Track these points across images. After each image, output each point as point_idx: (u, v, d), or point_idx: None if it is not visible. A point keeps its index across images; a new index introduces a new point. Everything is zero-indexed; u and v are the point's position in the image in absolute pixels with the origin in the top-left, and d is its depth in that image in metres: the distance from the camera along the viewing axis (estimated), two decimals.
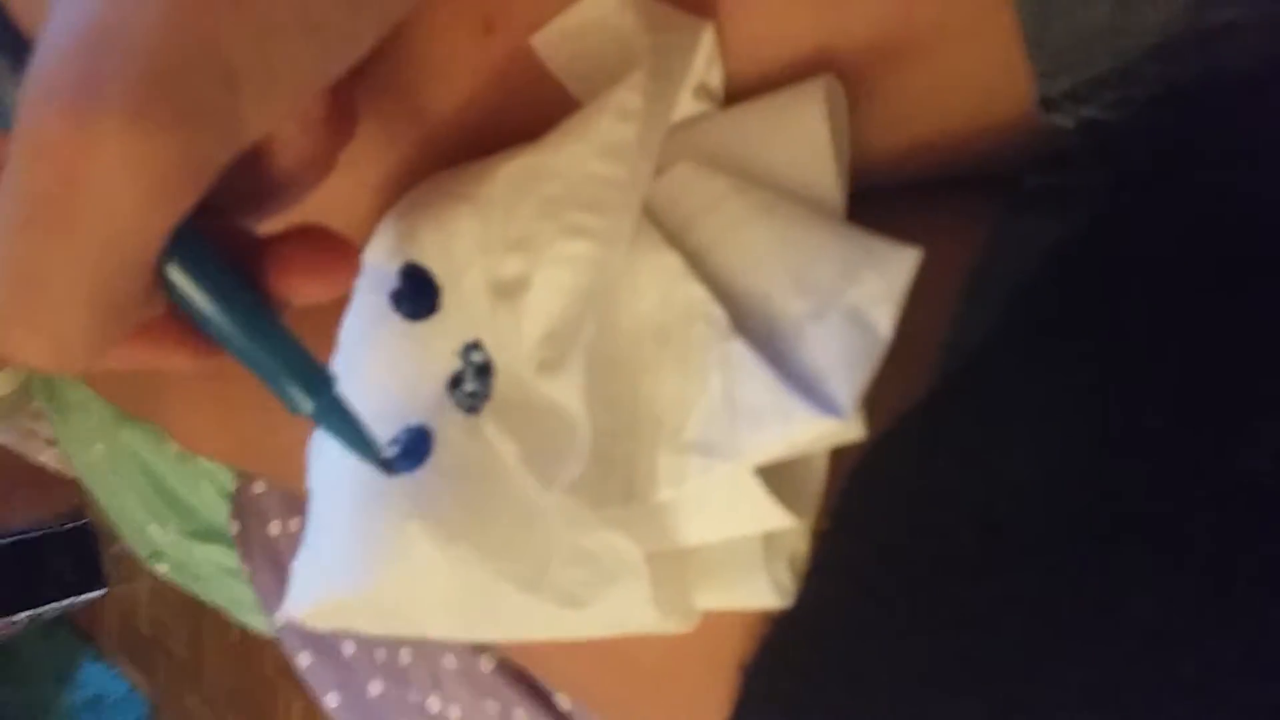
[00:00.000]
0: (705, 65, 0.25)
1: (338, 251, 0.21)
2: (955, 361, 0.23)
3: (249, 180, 0.21)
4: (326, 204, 0.26)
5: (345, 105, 0.22)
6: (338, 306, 0.29)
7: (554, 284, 0.24)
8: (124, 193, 0.15)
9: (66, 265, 0.16)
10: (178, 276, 0.19)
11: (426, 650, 0.49)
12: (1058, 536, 0.21)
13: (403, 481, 0.26)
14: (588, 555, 0.24)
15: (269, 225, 0.22)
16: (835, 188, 0.23)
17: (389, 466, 0.24)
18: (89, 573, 1.63)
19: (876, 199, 0.25)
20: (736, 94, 0.26)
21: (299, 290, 0.21)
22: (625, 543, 0.23)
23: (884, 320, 0.21)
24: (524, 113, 0.27)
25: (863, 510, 0.23)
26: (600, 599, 0.24)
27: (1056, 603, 0.21)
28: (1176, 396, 0.21)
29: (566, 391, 0.23)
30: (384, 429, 0.27)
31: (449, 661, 0.48)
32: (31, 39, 0.17)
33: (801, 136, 0.23)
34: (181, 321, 0.20)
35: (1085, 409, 0.22)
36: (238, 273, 0.20)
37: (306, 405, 0.21)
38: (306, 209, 0.23)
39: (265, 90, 0.17)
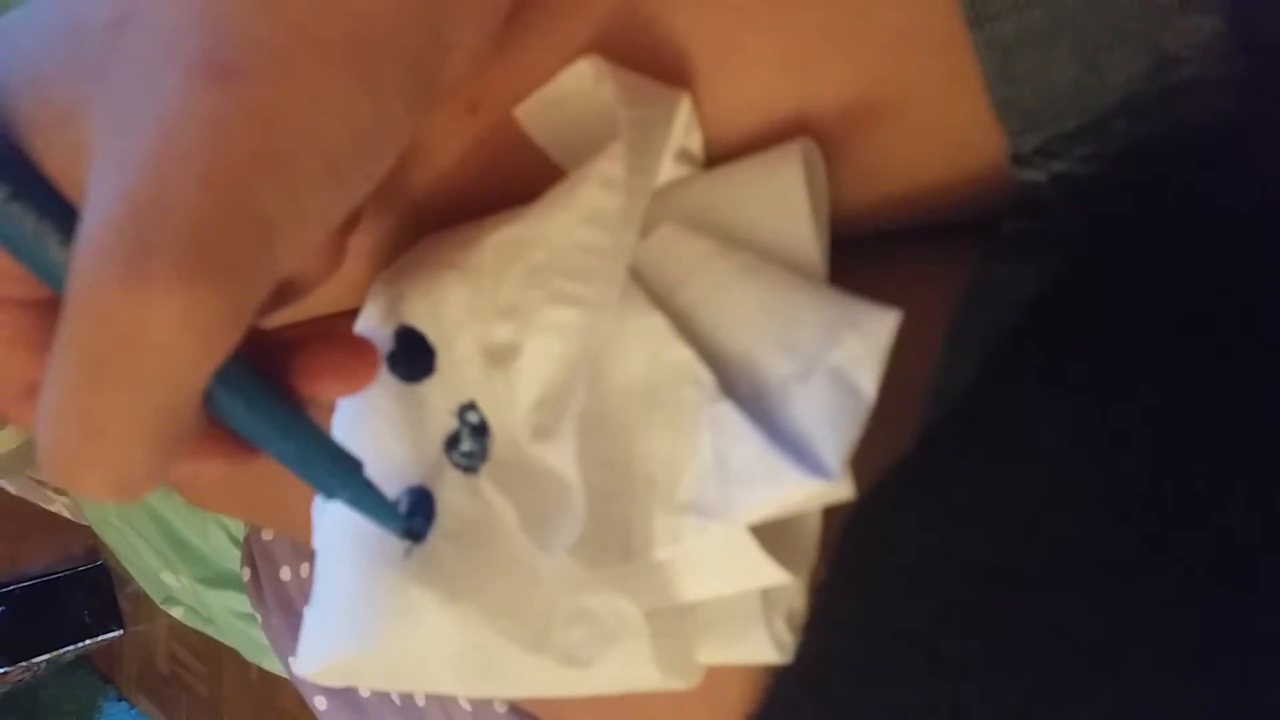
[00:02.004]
0: (684, 133, 0.25)
1: (359, 352, 0.23)
2: (940, 411, 0.24)
3: (273, 291, 0.22)
4: None
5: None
6: None
7: (544, 351, 0.25)
8: (178, 348, 0.17)
9: (127, 413, 0.17)
10: (221, 395, 0.20)
11: (442, 695, 0.49)
12: (1050, 587, 0.21)
13: (405, 542, 0.26)
14: (589, 615, 0.24)
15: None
16: (815, 249, 0.24)
17: (416, 537, 0.26)
18: (107, 614, 1.63)
19: (856, 247, 0.26)
20: (716, 157, 0.26)
21: (324, 392, 0.22)
22: (625, 603, 0.24)
23: (867, 381, 0.21)
24: (508, 181, 0.27)
25: (857, 564, 0.24)
26: (603, 658, 0.24)
27: (1053, 654, 0.21)
28: (1158, 445, 0.21)
29: (561, 457, 0.24)
30: (385, 490, 0.27)
31: (464, 703, 0.49)
32: (75, 206, 0.18)
33: (780, 199, 0.24)
34: (219, 430, 0.21)
35: (1071, 457, 0.22)
36: (270, 379, 0.21)
37: (341, 493, 0.23)
38: None
39: (296, 234, 0.18)
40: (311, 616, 0.28)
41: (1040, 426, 0.23)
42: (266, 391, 0.21)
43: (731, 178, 0.25)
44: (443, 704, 0.49)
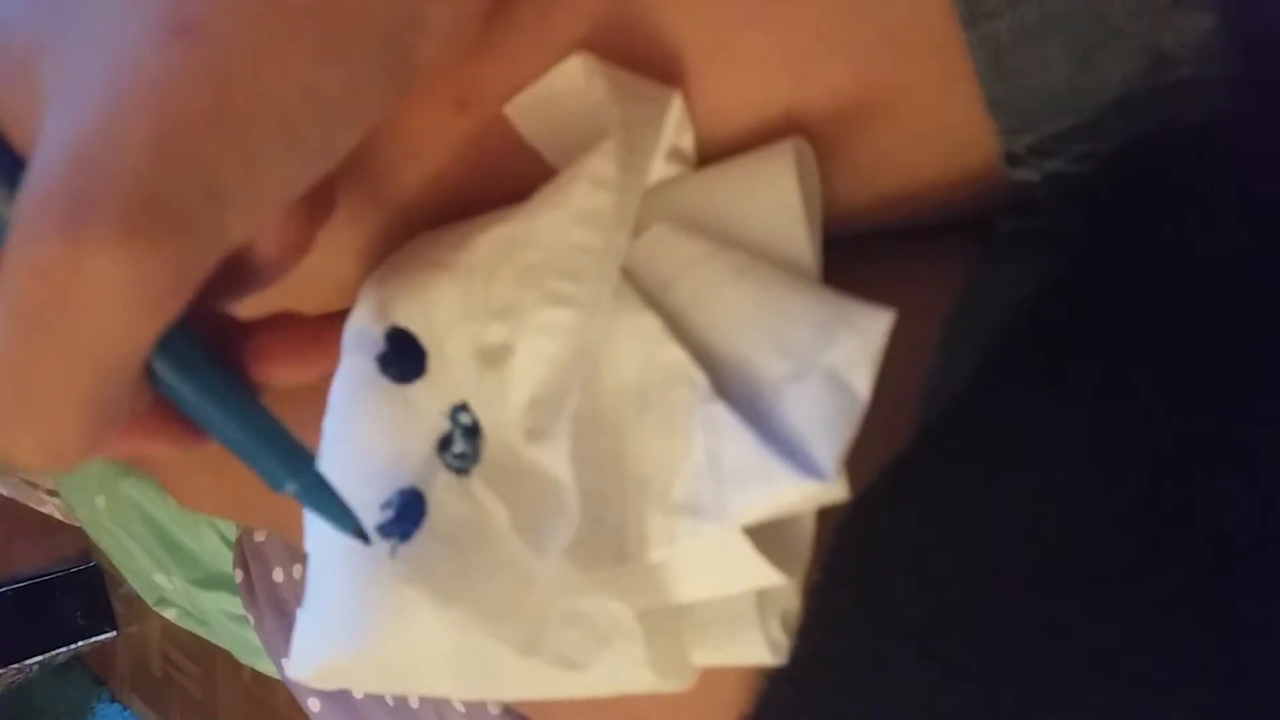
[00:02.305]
0: (676, 131, 0.25)
1: (313, 338, 0.22)
2: (935, 411, 0.23)
3: (228, 269, 0.21)
4: (310, 270, 0.27)
5: (322, 190, 0.23)
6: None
7: (537, 352, 0.24)
8: (115, 307, 0.16)
9: (60, 374, 0.16)
10: (163, 370, 0.19)
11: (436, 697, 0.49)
12: (1046, 589, 0.21)
13: (391, 543, 0.26)
14: (583, 617, 0.24)
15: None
16: (808, 249, 0.23)
17: (367, 539, 0.25)
18: (99, 615, 1.63)
19: (849, 247, 0.26)
20: (708, 155, 0.26)
21: (278, 376, 0.22)
22: (619, 605, 0.24)
23: (861, 382, 0.21)
24: (499, 179, 0.27)
25: (851, 565, 0.24)
26: (597, 661, 0.24)
27: (1049, 655, 0.21)
28: (1156, 446, 0.21)
29: (554, 459, 0.24)
30: (375, 491, 0.27)
31: (458, 705, 0.49)
32: (25, 156, 0.18)
33: (773, 198, 0.24)
34: (166, 409, 0.21)
35: (1068, 457, 0.22)
36: (219, 359, 0.21)
37: (290, 485, 0.22)
38: (292, 274, 0.24)
39: (248, 202, 0.17)
40: (304, 619, 0.28)
41: (1036, 426, 0.23)
42: (214, 370, 0.20)
43: (724, 177, 0.25)
44: (436, 706, 0.49)
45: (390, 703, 0.51)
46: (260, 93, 0.17)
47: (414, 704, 0.50)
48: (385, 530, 0.26)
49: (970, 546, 0.22)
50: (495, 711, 0.47)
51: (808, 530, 0.24)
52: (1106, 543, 0.21)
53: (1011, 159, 0.24)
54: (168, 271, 0.16)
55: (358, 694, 0.53)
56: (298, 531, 0.30)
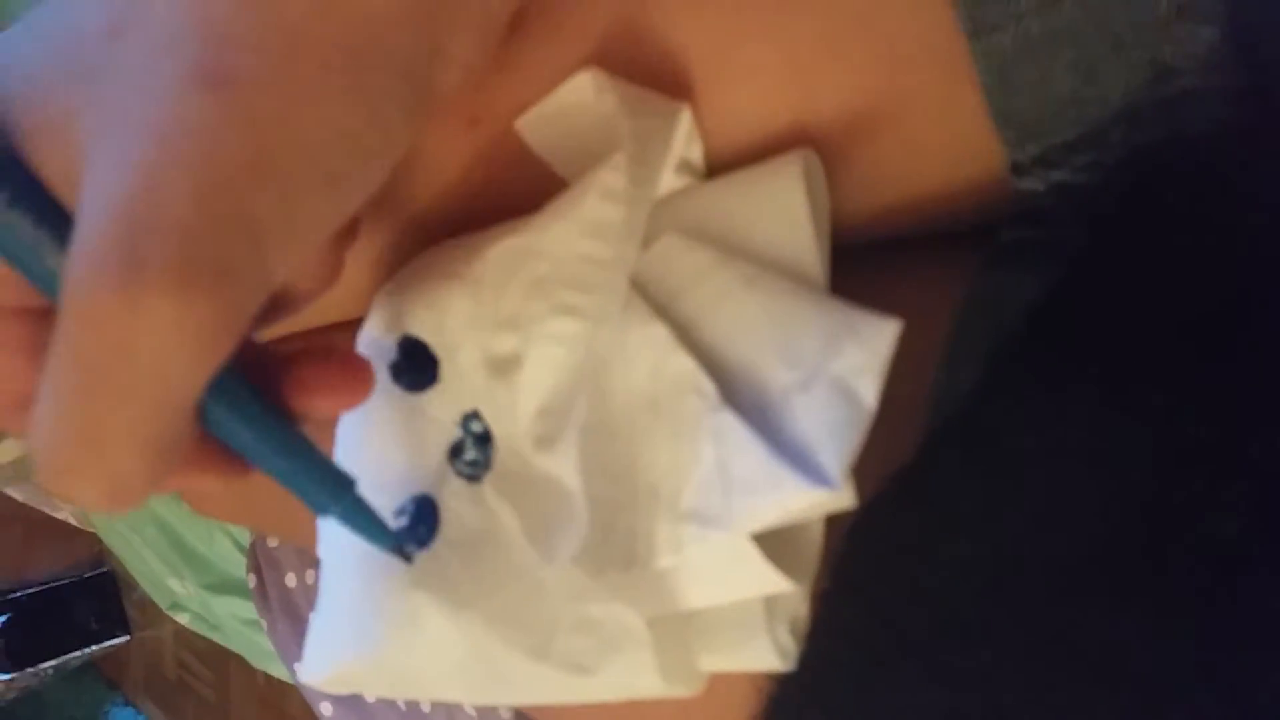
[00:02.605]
0: (684, 143, 0.25)
1: (353, 370, 0.23)
2: (941, 420, 0.24)
3: (268, 302, 0.22)
4: None
5: (350, 219, 0.23)
6: None
7: (546, 362, 0.25)
8: (172, 353, 0.17)
9: (121, 420, 0.17)
10: (214, 408, 0.20)
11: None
12: (1051, 596, 0.21)
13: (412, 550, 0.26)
14: (592, 624, 0.25)
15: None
16: (815, 259, 0.24)
17: (408, 556, 0.26)
18: (113, 619, 1.63)
19: (856, 256, 0.26)
20: (717, 167, 0.26)
21: (317, 408, 0.22)
22: (628, 611, 0.24)
23: (868, 391, 0.21)
24: (510, 192, 0.27)
25: (859, 572, 0.24)
26: (606, 666, 0.24)
27: (1054, 662, 0.21)
28: (1160, 454, 0.21)
29: (563, 468, 0.24)
30: (389, 499, 0.27)
31: (469, 709, 0.49)
32: (68, 210, 0.18)
33: (781, 210, 0.24)
34: (212, 444, 0.21)
35: (1072, 465, 0.22)
36: (263, 394, 0.21)
37: (334, 510, 0.23)
38: None
39: (289, 243, 0.18)
40: (317, 624, 0.28)
41: (1041, 434, 0.23)
42: (260, 406, 0.21)
43: (732, 188, 0.25)
44: (448, 711, 0.49)
45: (402, 707, 0.51)
46: (294, 137, 0.17)
47: (426, 708, 0.50)
48: (400, 537, 0.26)
49: (976, 553, 0.22)
50: (506, 716, 0.47)
51: (816, 537, 0.24)
52: (1111, 550, 0.21)
53: (1017, 169, 0.24)
54: (219, 315, 0.17)
55: (370, 698, 0.53)
56: (310, 537, 0.30)
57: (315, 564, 0.57)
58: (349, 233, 0.24)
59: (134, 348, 0.16)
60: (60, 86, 0.18)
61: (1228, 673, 0.19)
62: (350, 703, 0.54)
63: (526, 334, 0.25)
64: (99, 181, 0.17)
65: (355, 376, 0.23)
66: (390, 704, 0.52)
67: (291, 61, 0.17)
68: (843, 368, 0.21)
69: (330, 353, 0.23)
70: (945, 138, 0.24)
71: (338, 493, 0.23)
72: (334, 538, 0.29)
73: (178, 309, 0.16)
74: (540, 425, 0.25)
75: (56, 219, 0.18)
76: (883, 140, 0.25)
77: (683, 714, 0.27)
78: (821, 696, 0.24)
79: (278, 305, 0.22)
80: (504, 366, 0.26)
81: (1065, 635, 0.21)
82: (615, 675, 0.24)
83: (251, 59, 0.17)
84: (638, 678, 0.24)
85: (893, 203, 0.26)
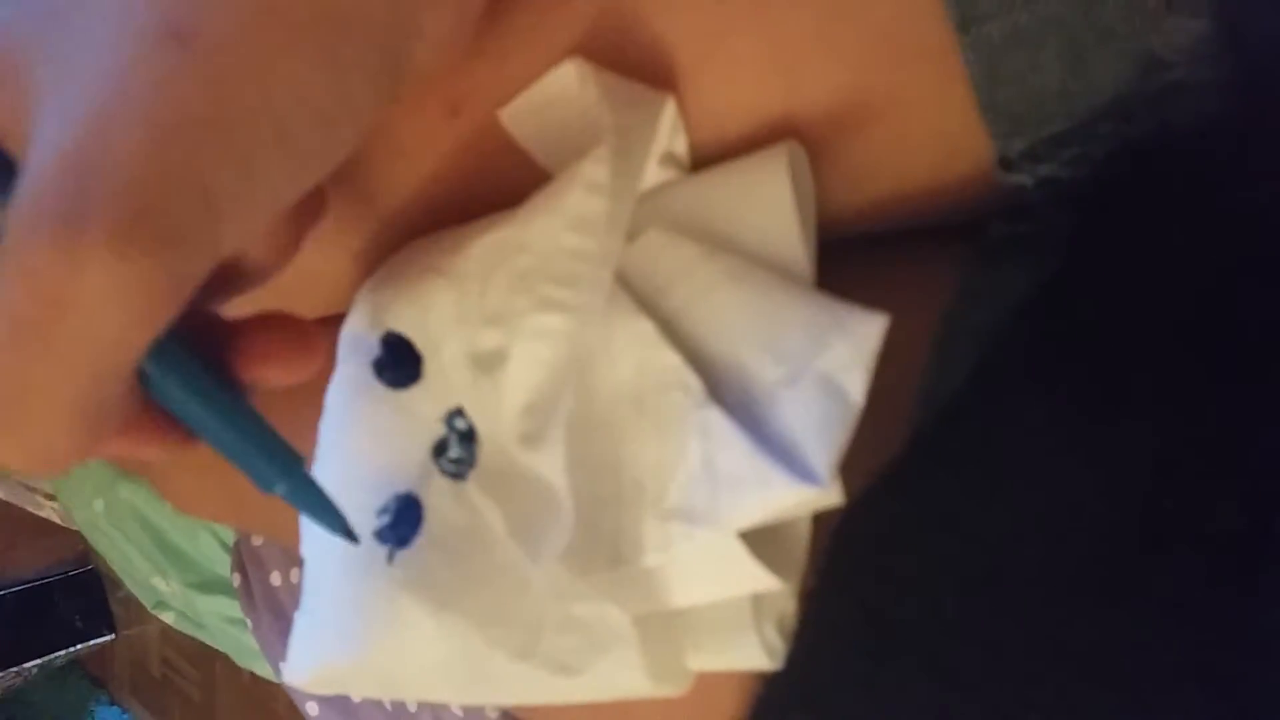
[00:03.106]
0: (669, 135, 0.25)
1: (302, 339, 0.22)
2: (929, 415, 0.23)
3: (217, 271, 0.21)
4: (305, 275, 0.27)
5: (312, 194, 0.23)
6: (320, 378, 0.29)
7: (531, 357, 0.24)
8: (108, 315, 0.16)
9: (53, 380, 0.16)
10: (154, 374, 0.19)
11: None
12: (1042, 594, 0.21)
13: (388, 549, 0.26)
14: (578, 623, 0.24)
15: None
16: (801, 253, 0.23)
17: (355, 539, 0.25)
18: (98, 618, 1.62)
19: (843, 251, 0.26)
20: (702, 160, 0.26)
21: (266, 377, 0.22)
22: (614, 610, 0.24)
23: (855, 387, 0.21)
24: (493, 184, 0.27)
25: (846, 569, 0.24)
26: (592, 666, 0.24)
27: (1046, 661, 0.21)
28: (1154, 450, 0.21)
29: (549, 465, 0.24)
30: (372, 497, 0.27)
31: (456, 709, 0.49)
32: (16, 160, 0.18)
33: (767, 202, 0.24)
34: (156, 412, 0.21)
35: (1064, 461, 0.22)
36: (208, 361, 0.21)
37: (279, 486, 0.22)
38: (288, 277, 0.24)
39: (242, 209, 0.17)
40: (300, 624, 0.28)
41: (1032, 430, 0.23)
42: (204, 373, 0.20)
43: (717, 181, 0.25)
44: (434, 711, 0.49)
45: (388, 707, 0.51)
46: (256, 99, 0.17)
47: (412, 708, 0.50)
48: (382, 536, 0.26)
49: (965, 550, 0.22)
50: (493, 716, 0.47)
51: (803, 535, 0.24)
52: (1104, 548, 0.21)
53: (1005, 163, 0.24)
54: (162, 279, 0.16)
55: (356, 698, 0.53)
56: (294, 536, 0.30)
57: (300, 563, 0.56)
58: (311, 211, 0.23)
59: (69, 305, 0.15)
60: (16, 27, 0.17)
61: (1221, 673, 0.19)
62: (336, 703, 0.53)
63: (511, 329, 0.25)
64: (48, 130, 0.16)
65: (306, 345, 0.22)
66: (376, 704, 0.52)
67: (261, 21, 0.17)
68: (830, 363, 0.21)
69: (280, 320, 0.22)
70: (933, 131, 0.24)
71: (284, 468, 0.22)
72: (317, 536, 0.29)
73: (118, 267, 0.15)
74: (526, 422, 0.25)
75: (4, 169, 0.18)
76: (870, 133, 0.24)
77: (670, 713, 0.27)
78: (809, 695, 0.24)
79: (228, 277, 0.22)
80: (488, 362, 0.26)
81: (1056, 633, 0.21)
82: (602, 674, 0.24)
83: (220, 15, 0.16)
84: (624, 677, 0.24)
85: (880, 196, 0.26)
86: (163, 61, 0.16)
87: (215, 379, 0.21)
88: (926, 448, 0.23)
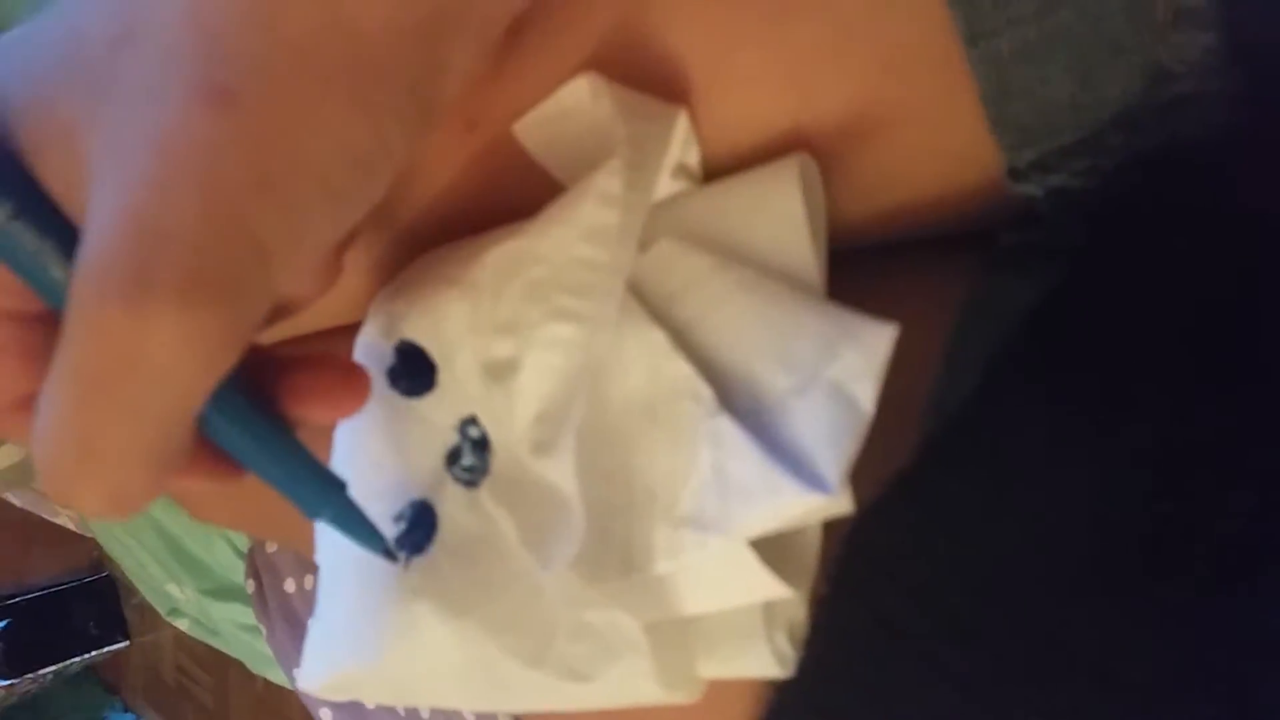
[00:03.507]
0: (681, 148, 0.25)
1: (347, 379, 0.23)
2: (939, 424, 0.24)
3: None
4: None
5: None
6: None
7: (544, 367, 0.25)
8: (178, 366, 0.17)
9: (124, 430, 0.17)
10: (211, 415, 0.20)
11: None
12: (1050, 600, 0.21)
13: (404, 556, 0.26)
14: (590, 630, 0.25)
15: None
16: (812, 263, 0.24)
17: (395, 558, 0.26)
18: (112, 625, 1.63)
19: (854, 261, 0.26)
20: (714, 171, 0.26)
21: (311, 415, 0.23)
22: (625, 618, 0.24)
23: (865, 395, 0.21)
24: (507, 197, 0.27)
25: (856, 577, 0.24)
26: (604, 673, 0.24)
27: (1053, 666, 0.21)
28: (1158, 457, 0.21)
29: (560, 473, 0.24)
30: (386, 504, 0.27)
31: (468, 716, 0.49)
32: (76, 226, 0.18)
33: (778, 214, 0.24)
34: (207, 447, 0.21)
35: (1071, 469, 0.22)
36: (260, 400, 0.22)
37: (325, 513, 0.24)
38: None
39: (292, 255, 0.18)
40: (315, 631, 0.28)
41: (1040, 438, 0.23)
42: (256, 413, 0.21)
43: (729, 193, 0.25)
44: (447, 716, 0.49)
45: (402, 713, 0.51)
46: (297, 154, 0.18)
47: (425, 714, 0.50)
48: (397, 543, 0.26)
49: (975, 558, 0.22)
50: None
51: (814, 543, 0.24)
52: (1110, 554, 0.21)
53: (1014, 174, 0.24)
54: (224, 329, 0.17)
55: (369, 704, 0.53)
56: (308, 543, 0.30)
57: (314, 569, 0.57)
58: (346, 239, 0.24)
59: (140, 361, 0.16)
60: (64, 96, 0.18)
61: (1224, 675, 0.19)
62: (350, 709, 0.54)
63: (524, 339, 0.25)
64: (106, 196, 0.17)
65: (351, 385, 0.23)
66: (390, 710, 0.52)
67: (294, 80, 0.17)
68: (840, 372, 0.21)
69: (326, 360, 0.23)
70: (943, 143, 0.24)
71: (329, 496, 0.23)
72: (332, 543, 0.29)
73: (185, 323, 0.16)
74: (538, 431, 0.25)
75: (60, 230, 0.19)
76: (880, 145, 0.25)
77: (682, 718, 0.27)
78: (820, 703, 0.24)
79: (277, 310, 0.23)
80: (501, 371, 0.26)
81: (1065, 639, 0.21)
82: (613, 682, 0.24)
83: (254, 78, 0.17)
84: (636, 684, 0.24)
85: (890, 207, 0.26)
86: (206, 125, 0.17)
87: (265, 417, 0.22)
88: (936, 456, 0.23)
